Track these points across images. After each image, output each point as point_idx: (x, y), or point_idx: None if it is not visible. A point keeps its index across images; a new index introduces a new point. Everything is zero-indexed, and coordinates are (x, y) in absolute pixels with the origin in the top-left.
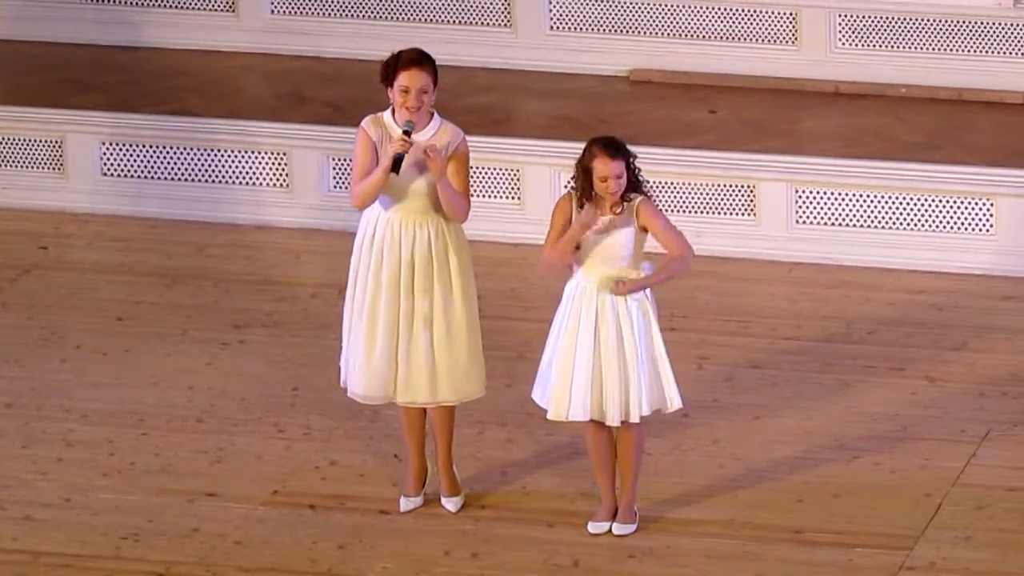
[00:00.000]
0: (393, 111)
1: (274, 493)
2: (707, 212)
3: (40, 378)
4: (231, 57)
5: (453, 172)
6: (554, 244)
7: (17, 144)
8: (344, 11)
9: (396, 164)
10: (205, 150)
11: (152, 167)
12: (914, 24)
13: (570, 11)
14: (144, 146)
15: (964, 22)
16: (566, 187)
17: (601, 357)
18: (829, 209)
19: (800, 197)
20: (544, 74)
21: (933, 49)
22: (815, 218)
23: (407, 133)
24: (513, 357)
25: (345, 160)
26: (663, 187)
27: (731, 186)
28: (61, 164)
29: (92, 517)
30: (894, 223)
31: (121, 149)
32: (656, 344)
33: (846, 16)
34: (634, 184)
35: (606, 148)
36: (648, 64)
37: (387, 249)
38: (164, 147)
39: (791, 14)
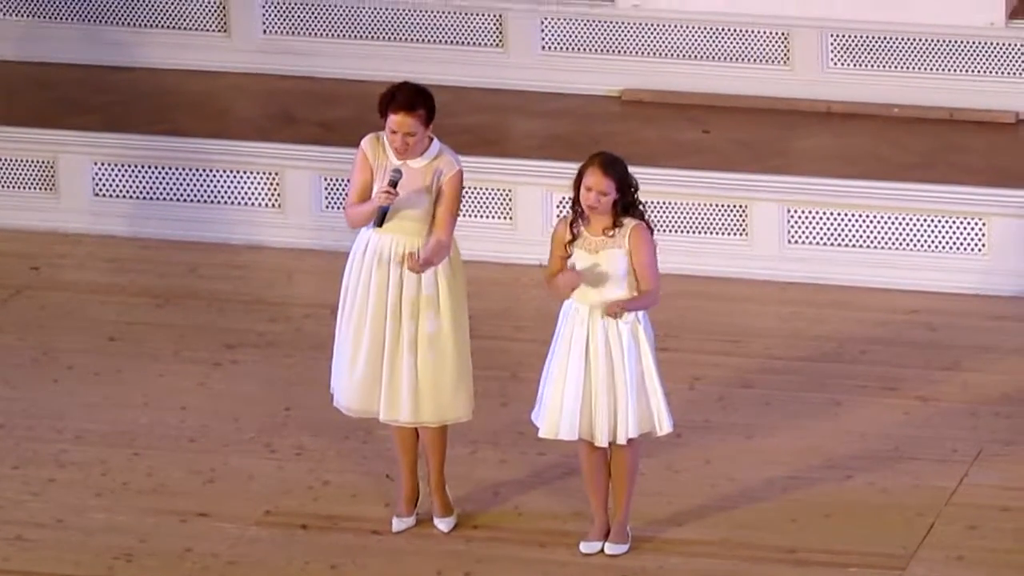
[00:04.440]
0: None
1: (266, 513)
2: (699, 232)
3: (32, 399)
4: (223, 77)
5: (442, 200)
6: (549, 279)
7: (9, 164)
8: (336, 31)
9: (380, 218)
10: (198, 170)
11: (144, 187)
12: (906, 44)
13: (562, 31)
14: (136, 166)
15: (956, 42)
16: (557, 207)
17: (591, 378)
18: (821, 229)
19: (792, 217)
20: (536, 94)
21: (926, 69)
22: (807, 238)
23: (393, 184)
24: (506, 377)
25: (336, 180)
26: (655, 207)
27: (723, 206)
28: (53, 184)
29: (85, 537)
30: (886, 243)
31: (113, 169)
32: (647, 367)
33: (838, 36)
34: (630, 210)
35: (602, 163)
36: (640, 84)
37: (376, 268)
38: (157, 167)
39: (783, 34)
